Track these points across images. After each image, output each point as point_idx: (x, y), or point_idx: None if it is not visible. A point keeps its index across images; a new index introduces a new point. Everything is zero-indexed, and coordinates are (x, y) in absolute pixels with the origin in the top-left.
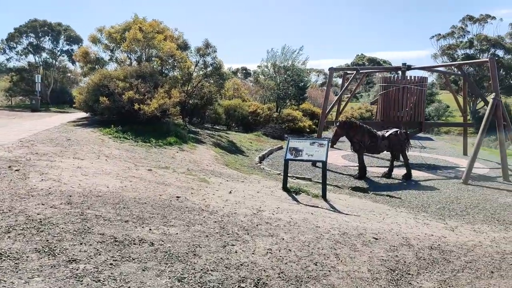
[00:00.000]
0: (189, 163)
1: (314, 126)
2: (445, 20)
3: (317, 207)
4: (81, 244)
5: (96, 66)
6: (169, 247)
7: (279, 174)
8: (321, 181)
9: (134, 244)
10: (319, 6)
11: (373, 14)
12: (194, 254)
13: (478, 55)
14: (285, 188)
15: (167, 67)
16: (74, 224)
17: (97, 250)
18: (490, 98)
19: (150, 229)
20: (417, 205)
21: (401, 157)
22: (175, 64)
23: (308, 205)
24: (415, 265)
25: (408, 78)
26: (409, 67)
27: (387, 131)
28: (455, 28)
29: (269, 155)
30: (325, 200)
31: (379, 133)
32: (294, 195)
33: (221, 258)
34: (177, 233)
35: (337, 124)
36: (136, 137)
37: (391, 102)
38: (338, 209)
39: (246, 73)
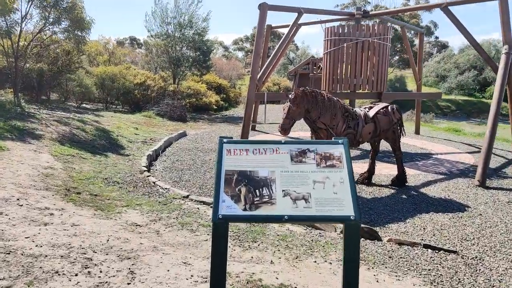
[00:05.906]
0: None
1: (222, 102)
2: None
3: None
4: None
5: None
6: None
7: (188, 197)
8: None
9: None
10: None
11: None
12: None
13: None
14: None
15: None
16: None
17: None
18: (501, 53)
19: None
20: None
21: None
22: None
23: None
24: None
25: (371, 27)
26: (367, 13)
27: (371, 108)
28: None
29: (166, 148)
30: None
31: (359, 110)
32: None
33: None
34: None
35: (291, 96)
36: None
37: (344, 64)
38: None
39: (137, 43)
